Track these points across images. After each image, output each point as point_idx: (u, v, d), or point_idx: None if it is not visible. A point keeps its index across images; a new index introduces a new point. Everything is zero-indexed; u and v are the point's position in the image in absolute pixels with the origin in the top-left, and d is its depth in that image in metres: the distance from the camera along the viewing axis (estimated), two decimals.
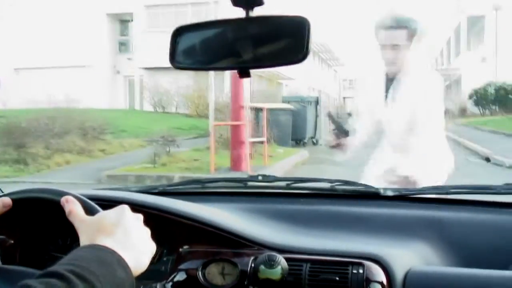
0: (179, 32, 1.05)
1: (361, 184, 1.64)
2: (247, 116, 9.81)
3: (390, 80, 2.77)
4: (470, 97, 28.89)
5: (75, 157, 13.35)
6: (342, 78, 62.86)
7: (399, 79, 2.73)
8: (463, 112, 29.53)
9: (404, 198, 1.54)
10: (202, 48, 1.06)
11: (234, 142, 9.94)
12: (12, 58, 25.29)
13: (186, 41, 1.05)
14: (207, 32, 1.06)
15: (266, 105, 12.37)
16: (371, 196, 1.56)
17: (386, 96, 2.76)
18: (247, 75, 1.01)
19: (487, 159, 11.85)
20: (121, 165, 11.69)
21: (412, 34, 2.63)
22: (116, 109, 23.33)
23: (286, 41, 0.99)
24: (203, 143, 12.96)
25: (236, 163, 9.53)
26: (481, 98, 28.14)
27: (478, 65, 30.94)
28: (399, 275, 1.14)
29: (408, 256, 1.23)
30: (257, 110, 12.65)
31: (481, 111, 28.23)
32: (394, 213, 1.46)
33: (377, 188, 1.56)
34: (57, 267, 0.76)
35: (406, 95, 2.68)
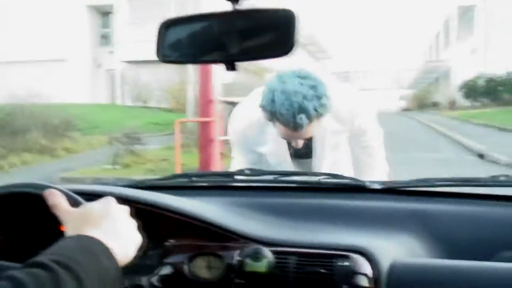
0: (166, 25, 1.05)
1: (348, 177, 1.65)
2: (217, 111, 8.88)
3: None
4: (460, 89, 28.75)
5: (34, 156, 12.74)
6: (330, 71, 63.13)
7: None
8: (452, 104, 29.56)
9: (390, 191, 1.55)
10: (189, 41, 1.06)
11: (202, 140, 8.95)
12: None
13: (172, 35, 1.05)
14: (193, 26, 1.05)
15: (241, 99, 11.98)
16: (357, 189, 1.57)
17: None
18: (233, 68, 1.01)
19: (481, 156, 11.51)
20: (83, 165, 11.23)
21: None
22: (95, 104, 23.06)
23: (273, 34, 0.99)
24: None
25: (205, 164, 8.59)
26: (471, 90, 27.93)
27: (467, 56, 30.88)
28: (384, 266, 1.15)
29: (394, 248, 1.25)
30: (232, 105, 12.35)
31: (471, 104, 28.17)
32: (380, 205, 1.47)
33: (363, 181, 1.57)
34: (41, 257, 0.76)
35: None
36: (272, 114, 1.93)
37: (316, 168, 2.23)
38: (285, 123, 1.92)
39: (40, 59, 24.91)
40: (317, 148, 2.23)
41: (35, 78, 19.59)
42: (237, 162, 2.29)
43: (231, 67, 1.01)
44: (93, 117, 17.18)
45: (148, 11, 24.37)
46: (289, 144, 2.18)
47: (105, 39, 27.87)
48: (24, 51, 24.73)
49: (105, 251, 0.81)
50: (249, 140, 2.22)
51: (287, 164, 2.24)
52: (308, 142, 2.17)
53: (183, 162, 9.04)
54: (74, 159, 13.04)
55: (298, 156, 2.26)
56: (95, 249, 0.81)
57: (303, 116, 1.88)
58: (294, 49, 0.97)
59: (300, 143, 2.08)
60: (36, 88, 15.97)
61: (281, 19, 0.97)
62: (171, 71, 21.63)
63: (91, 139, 15.29)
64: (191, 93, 15.21)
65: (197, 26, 1.04)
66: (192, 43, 1.05)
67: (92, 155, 13.39)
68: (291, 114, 1.88)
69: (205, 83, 9.16)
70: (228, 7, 0.96)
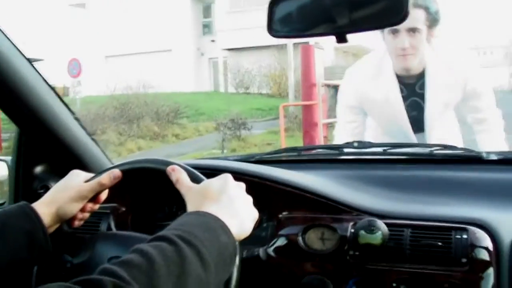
0: (275, 1, 1.07)
1: (461, 148, 1.59)
2: (320, 95, 9.11)
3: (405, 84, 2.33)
4: None
5: (148, 142, 13.54)
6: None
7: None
8: None
9: (509, 161, 1.48)
10: (298, 15, 1.07)
11: (306, 124, 9.29)
12: (101, 46, 26.36)
13: (282, 10, 1.07)
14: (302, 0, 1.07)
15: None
16: (473, 160, 1.51)
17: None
18: (344, 40, 1.01)
19: None
20: (193, 150, 11.83)
21: (433, 18, 2.18)
22: (199, 92, 23.76)
23: (384, 2, 0.98)
24: None
25: None
26: None
27: None
28: (506, 241, 1.10)
29: None
30: (334, 88, 12.22)
31: None
32: (498, 177, 1.40)
33: (479, 152, 1.50)
34: (165, 232, 0.81)
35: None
36: None
37: (429, 117, 2.31)
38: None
39: (148, 50, 26.08)
40: (430, 90, 2.27)
41: (145, 69, 20.56)
42: (342, 126, 2.49)
43: (342, 39, 1.01)
44: (199, 105, 17.76)
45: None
46: (401, 86, 2.30)
47: (207, 28, 28.59)
48: (134, 44, 26.02)
49: (224, 228, 0.86)
50: (359, 91, 2.37)
51: (399, 112, 2.32)
52: (421, 81, 2.28)
53: (287, 146, 9.08)
54: (184, 144, 13.63)
55: (411, 103, 2.34)
56: (214, 225, 0.85)
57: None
58: (406, 17, 0.96)
59: (412, 63, 2.21)
60: (147, 78, 16.78)
61: None
62: (271, 57, 21.78)
63: (198, 125, 15.89)
64: (292, 78, 15.25)
65: (305, 0, 1.05)
66: (302, 16, 1.06)
67: (200, 140, 13.92)
68: None
69: (307, 67, 9.18)
70: None
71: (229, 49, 25.71)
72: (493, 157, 1.47)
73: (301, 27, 1.08)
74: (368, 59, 2.46)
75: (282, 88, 22.14)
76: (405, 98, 2.32)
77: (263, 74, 23.88)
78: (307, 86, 9.27)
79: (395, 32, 2.14)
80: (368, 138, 2.42)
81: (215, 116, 15.94)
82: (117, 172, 1.10)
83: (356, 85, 2.39)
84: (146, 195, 1.45)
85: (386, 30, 2.17)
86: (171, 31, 26.21)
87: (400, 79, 2.31)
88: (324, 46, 10.02)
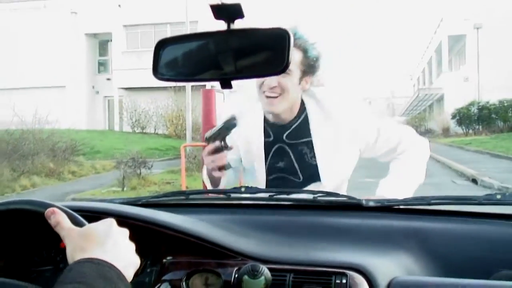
0: (162, 44, 1.07)
1: (343, 195, 1.65)
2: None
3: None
4: (453, 116, 29.22)
5: (43, 179, 13.32)
6: None
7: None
8: (446, 131, 29.84)
9: (386, 209, 1.55)
10: (185, 60, 1.08)
11: None
12: None
13: (169, 53, 1.07)
14: (189, 45, 1.07)
15: None
16: (353, 207, 1.57)
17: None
18: (229, 86, 1.02)
19: (474, 181, 11.68)
20: (90, 188, 11.69)
21: (310, 64, 2.07)
22: (94, 130, 23.26)
23: (267, 53, 1.01)
24: (179, 165, 13.34)
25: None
26: (464, 117, 28.50)
27: (460, 84, 31.35)
28: (382, 285, 1.15)
29: (391, 266, 1.24)
30: None
31: (465, 131, 28.56)
32: (376, 223, 1.47)
33: (359, 200, 1.57)
34: (63, 286, 0.77)
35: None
36: None
37: (321, 166, 2.13)
38: None
39: (41, 85, 25.13)
40: (316, 140, 2.13)
41: (38, 104, 19.76)
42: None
43: (226, 85, 1.02)
44: (93, 143, 17.54)
45: (145, 38, 24.62)
46: (269, 130, 2.17)
47: (102, 66, 28.11)
48: (26, 78, 24.98)
49: (120, 276, 0.83)
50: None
51: (258, 157, 2.19)
52: (291, 129, 2.14)
53: (187, 185, 9.25)
54: (81, 182, 13.56)
55: (278, 150, 2.18)
56: (111, 275, 0.82)
57: None
58: (287, 67, 0.99)
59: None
60: (42, 113, 16.30)
61: (275, 38, 0.98)
62: (168, 98, 21.76)
63: (95, 163, 15.91)
64: (190, 119, 15.36)
65: (192, 45, 1.06)
66: (188, 61, 1.07)
67: (97, 178, 13.92)
68: None
69: (208, 110, 9.40)
70: (223, 26, 0.98)
71: (125, 88, 25.41)
72: (372, 204, 1.54)
73: (187, 72, 1.09)
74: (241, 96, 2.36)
75: (178, 129, 22.13)
76: (271, 144, 2.18)
77: (160, 114, 23.76)
78: (207, 128, 9.41)
79: None
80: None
81: (112, 154, 15.84)
82: None
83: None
84: (23, 238, 1.36)
85: None
86: (65, 67, 25.51)
87: (269, 123, 2.18)
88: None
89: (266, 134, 2.18)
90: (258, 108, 2.19)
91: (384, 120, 2.20)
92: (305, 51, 2.04)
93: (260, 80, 2.04)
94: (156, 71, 1.05)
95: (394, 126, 2.21)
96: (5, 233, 1.31)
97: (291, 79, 2.03)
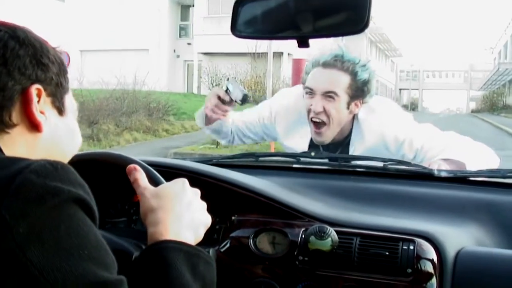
0: (241, 2, 1.07)
1: (414, 165, 1.62)
2: None
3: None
4: None
5: (141, 135, 14.55)
6: (399, 69, 61.95)
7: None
8: None
9: (458, 180, 1.51)
10: (263, 18, 1.08)
11: None
12: (77, 41, 26.08)
13: (247, 11, 1.07)
14: (268, 3, 1.08)
15: None
16: (424, 176, 1.54)
17: None
18: (307, 45, 1.02)
19: None
20: (184, 144, 12.66)
21: (359, 87, 1.94)
22: (175, 92, 23.80)
23: (347, 12, 1.00)
24: None
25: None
26: None
27: None
28: (450, 253, 1.13)
29: (460, 236, 1.22)
30: None
31: None
32: (447, 194, 1.44)
33: (431, 169, 1.54)
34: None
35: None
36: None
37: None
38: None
39: (124, 48, 25.99)
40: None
41: (128, 66, 20.48)
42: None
43: (304, 44, 1.02)
44: (179, 105, 18.33)
45: (225, 5, 24.71)
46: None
47: (183, 31, 28.57)
48: (109, 40, 25.88)
49: (206, 262, 0.88)
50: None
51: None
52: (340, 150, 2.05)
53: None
54: (174, 139, 14.55)
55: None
56: (201, 268, 0.87)
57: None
58: (366, 27, 0.97)
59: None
60: (135, 75, 17.18)
61: None
62: (247, 64, 21.88)
63: (183, 123, 16.89)
64: (270, 85, 15.50)
65: (271, 3, 1.06)
66: (267, 19, 1.07)
67: (188, 136, 14.92)
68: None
69: (296, 78, 9.48)
70: None
71: (204, 53, 25.72)
72: (444, 174, 1.51)
73: (265, 30, 1.09)
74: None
75: (257, 94, 22.26)
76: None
77: (239, 80, 23.97)
78: None
79: (310, 93, 1.94)
80: None
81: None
82: None
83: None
84: (100, 189, 1.43)
85: (305, 90, 1.99)
86: (148, 31, 26.12)
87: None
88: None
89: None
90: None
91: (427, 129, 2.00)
92: (354, 74, 1.92)
93: (308, 103, 1.96)
94: (235, 28, 1.06)
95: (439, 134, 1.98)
96: (87, 181, 1.38)
97: (337, 105, 1.93)
